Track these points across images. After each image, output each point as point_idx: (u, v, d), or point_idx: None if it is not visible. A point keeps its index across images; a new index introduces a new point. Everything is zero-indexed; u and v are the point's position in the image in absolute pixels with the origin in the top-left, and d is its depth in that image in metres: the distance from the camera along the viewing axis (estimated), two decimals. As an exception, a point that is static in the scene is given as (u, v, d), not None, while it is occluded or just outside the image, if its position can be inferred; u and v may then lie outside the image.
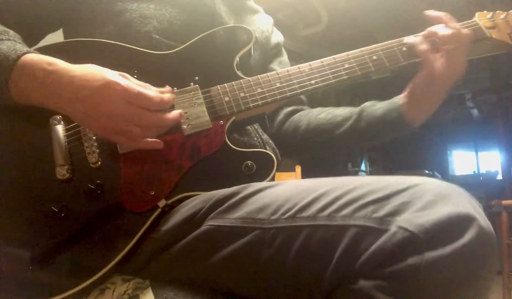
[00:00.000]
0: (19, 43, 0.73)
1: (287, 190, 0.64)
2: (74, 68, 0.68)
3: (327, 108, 1.01)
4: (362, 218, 0.55)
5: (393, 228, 0.52)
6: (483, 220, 0.52)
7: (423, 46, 0.83)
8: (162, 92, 0.72)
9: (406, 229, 0.51)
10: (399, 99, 0.89)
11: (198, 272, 0.66)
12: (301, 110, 1.06)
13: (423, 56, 0.83)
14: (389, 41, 0.88)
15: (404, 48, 0.87)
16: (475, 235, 0.50)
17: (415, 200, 0.53)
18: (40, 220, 0.70)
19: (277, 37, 1.10)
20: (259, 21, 1.07)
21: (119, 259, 0.68)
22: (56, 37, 0.92)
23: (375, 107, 0.91)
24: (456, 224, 0.50)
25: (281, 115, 1.05)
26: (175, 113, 0.72)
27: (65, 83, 0.66)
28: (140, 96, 0.67)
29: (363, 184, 0.58)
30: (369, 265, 0.52)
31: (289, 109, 1.05)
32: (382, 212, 0.54)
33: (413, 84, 0.86)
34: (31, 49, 0.71)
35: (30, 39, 0.85)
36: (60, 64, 0.68)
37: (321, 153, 1.04)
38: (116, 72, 0.69)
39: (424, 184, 0.55)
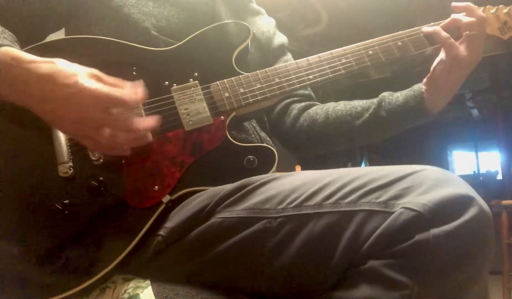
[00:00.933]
0: (3, 37, 0.70)
1: (292, 181, 0.65)
2: (41, 67, 0.64)
3: (342, 101, 1.02)
4: (367, 203, 0.57)
5: (398, 210, 0.55)
6: (481, 201, 0.55)
7: (444, 34, 0.86)
8: (135, 86, 0.68)
9: (411, 209, 0.54)
10: (419, 87, 0.90)
11: (203, 266, 0.67)
12: (314, 105, 1.06)
13: (445, 42, 0.85)
14: (385, 36, 0.90)
15: (399, 43, 0.89)
16: (476, 213, 0.53)
17: (416, 185, 0.56)
18: (44, 218, 0.70)
19: (280, 38, 1.10)
20: (260, 22, 1.07)
21: (125, 256, 0.68)
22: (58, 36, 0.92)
23: (394, 96, 0.93)
24: (457, 203, 0.54)
25: (294, 110, 1.04)
26: (148, 120, 0.69)
27: (33, 82, 0.64)
28: (110, 99, 0.65)
29: (366, 173, 0.61)
30: (377, 246, 0.55)
31: (302, 104, 1.05)
32: (385, 196, 0.57)
33: (434, 71, 0.88)
34: (5, 42, 0.67)
35: (32, 39, 0.84)
36: (25, 58, 0.65)
37: (340, 145, 1.03)
38: (88, 72, 0.66)
39: (424, 171, 0.58)
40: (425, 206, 0.53)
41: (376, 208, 0.56)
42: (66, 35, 0.92)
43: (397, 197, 0.56)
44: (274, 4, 3.15)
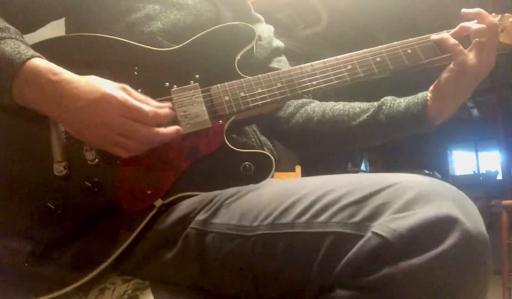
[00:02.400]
0: (21, 41, 0.72)
1: (269, 193, 0.63)
2: (76, 80, 0.67)
3: (342, 102, 0.99)
4: (338, 224, 0.52)
5: (368, 234, 0.49)
6: (469, 222, 0.47)
7: (452, 41, 0.83)
8: (161, 107, 0.71)
9: (378, 235, 0.48)
10: (423, 94, 0.87)
11: (191, 272, 0.66)
12: (311, 103, 1.04)
13: (453, 49, 0.82)
14: (394, 43, 0.86)
15: (409, 50, 0.85)
16: (458, 239, 0.45)
17: (394, 200, 0.50)
18: (37, 216, 0.70)
19: (276, 42, 1.10)
20: (260, 30, 1.07)
21: (115, 258, 0.68)
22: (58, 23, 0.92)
23: (397, 101, 0.89)
24: (435, 228, 0.46)
25: (290, 107, 1.03)
26: (171, 129, 0.70)
27: (66, 94, 0.66)
28: (134, 110, 0.67)
29: (342, 185, 0.56)
30: (345, 274, 0.50)
31: (299, 101, 1.03)
32: (358, 216, 0.51)
33: (441, 79, 0.84)
34: (36, 53, 0.70)
35: (33, 24, 0.85)
36: (64, 74, 0.68)
37: (335, 146, 1.00)
38: (117, 85, 0.68)
39: (406, 182, 0.52)
40: (395, 232, 0.46)
41: (348, 230, 0.51)
42: (66, 25, 0.92)
43: (371, 217, 0.50)
44: (274, 4, 3.15)
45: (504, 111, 4.90)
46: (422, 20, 3.45)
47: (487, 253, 0.47)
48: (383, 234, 0.47)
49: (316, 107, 1.00)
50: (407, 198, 0.50)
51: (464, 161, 8.46)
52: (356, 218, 0.51)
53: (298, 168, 2.50)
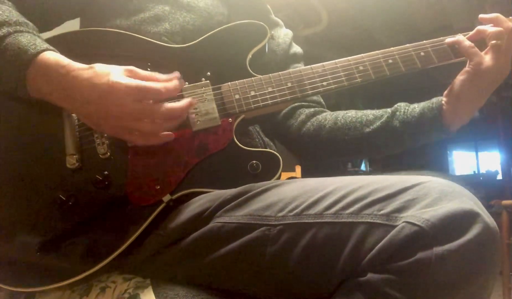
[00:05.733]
0: (38, 37, 0.73)
1: (294, 189, 0.64)
2: (83, 72, 0.68)
3: (354, 110, 0.97)
4: (369, 216, 0.56)
5: (400, 224, 0.53)
6: (486, 216, 0.53)
7: (467, 43, 0.82)
8: (170, 80, 0.72)
9: (414, 224, 0.52)
10: (438, 99, 0.86)
11: (202, 269, 0.67)
12: (323, 112, 1.02)
13: (468, 51, 0.81)
14: (406, 45, 0.85)
15: (422, 53, 0.84)
16: (480, 230, 0.52)
17: (420, 197, 0.55)
18: (48, 207, 0.71)
19: (294, 48, 1.09)
20: (276, 34, 1.06)
21: (122, 251, 0.68)
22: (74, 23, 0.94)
23: (411, 107, 0.88)
24: (461, 220, 0.52)
25: (302, 115, 1.01)
26: (183, 102, 0.72)
27: (77, 87, 0.68)
28: (144, 90, 0.68)
29: (368, 183, 0.59)
30: (377, 260, 0.53)
31: (311, 110, 1.02)
32: (388, 209, 0.55)
33: (456, 82, 0.83)
34: (50, 47, 0.71)
35: (48, 24, 0.86)
36: (72, 66, 0.69)
37: (347, 154, 0.98)
38: (122, 69, 0.69)
39: (429, 182, 0.57)
40: (428, 221, 0.51)
41: (378, 221, 0.55)
42: (80, 25, 0.93)
43: (400, 209, 0.54)
44: (274, 4, 3.15)
45: (504, 111, 4.90)
46: (421, 20, 3.46)
47: (499, 244, 0.55)
48: (418, 223, 0.52)
49: (327, 115, 0.99)
50: (432, 196, 0.54)
51: (464, 161, 8.46)
52: (386, 210, 0.55)
53: (298, 168, 2.50)
